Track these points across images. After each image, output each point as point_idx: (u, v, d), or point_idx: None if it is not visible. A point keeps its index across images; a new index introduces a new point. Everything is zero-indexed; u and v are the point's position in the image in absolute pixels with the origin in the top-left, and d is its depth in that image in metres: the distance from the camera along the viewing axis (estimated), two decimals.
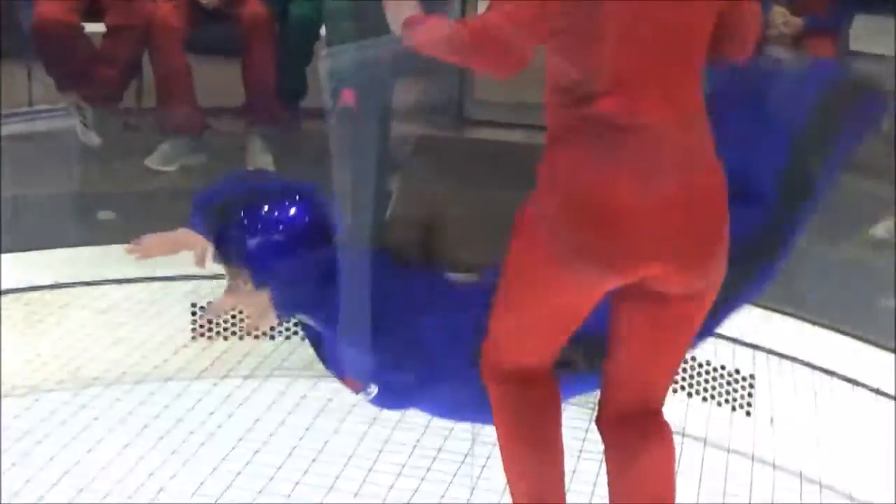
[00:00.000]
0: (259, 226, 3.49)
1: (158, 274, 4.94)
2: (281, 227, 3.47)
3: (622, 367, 3.14)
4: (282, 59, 5.62)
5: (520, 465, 3.28)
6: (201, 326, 5.04)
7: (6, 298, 4.79)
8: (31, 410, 4.60)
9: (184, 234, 3.61)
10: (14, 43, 5.78)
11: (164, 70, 5.69)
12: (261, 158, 5.69)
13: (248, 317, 3.63)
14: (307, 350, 4.82)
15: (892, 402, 4.16)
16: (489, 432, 4.42)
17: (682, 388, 4.65)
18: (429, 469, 4.34)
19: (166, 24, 5.58)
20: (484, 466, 4.21)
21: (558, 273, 2.99)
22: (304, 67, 5.46)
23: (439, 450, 4.47)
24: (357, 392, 3.35)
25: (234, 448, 4.39)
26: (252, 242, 3.45)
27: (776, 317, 4.41)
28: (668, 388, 3.23)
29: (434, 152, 5.49)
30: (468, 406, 3.36)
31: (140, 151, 5.66)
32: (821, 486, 4.19)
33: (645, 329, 3.07)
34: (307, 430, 4.58)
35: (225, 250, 3.46)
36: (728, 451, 4.42)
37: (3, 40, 5.76)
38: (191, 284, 4.95)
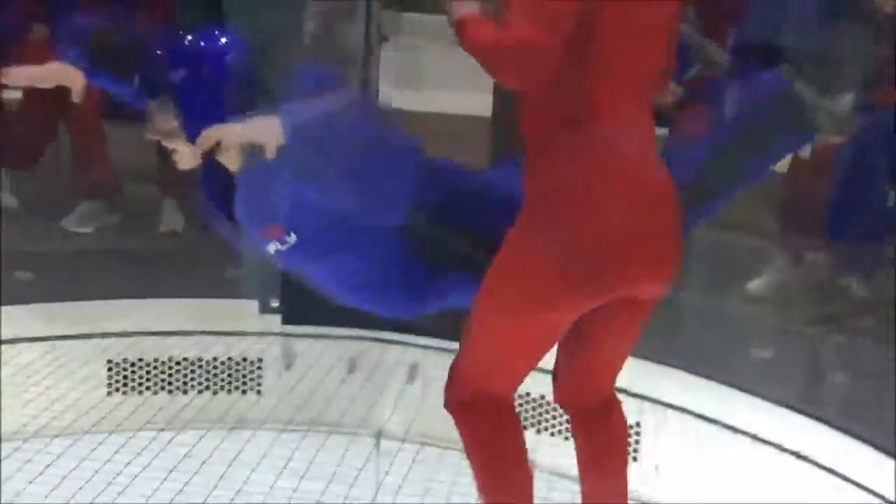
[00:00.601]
0: (182, 51, 3.26)
1: (74, 332, 4.91)
2: (204, 52, 3.26)
3: (588, 359, 3.22)
4: None
5: (499, 489, 3.28)
6: (117, 382, 4.94)
7: None
8: None
9: (58, 66, 3.41)
10: None
11: (81, 135, 5.72)
12: (174, 218, 5.77)
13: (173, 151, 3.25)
14: (220, 404, 5.01)
15: (769, 447, 4.21)
16: (392, 482, 4.57)
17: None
18: None
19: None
20: None
21: (558, 292, 2.98)
22: None
23: (345, 497, 4.48)
24: (272, 240, 3.13)
25: (149, 498, 4.37)
26: (175, 68, 3.21)
27: (660, 368, 4.44)
28: (620, 371, 3.33)
29: None
30: (371, 286, 3.22)
31: (57, 213, 5.74)
32: None
33: (616, 329, 3.15)
34: (220, 478, 4.56)
35: (149, 79, 3.20)
36: None
37: None
38: (106, 342, 4.92)
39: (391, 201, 3.12)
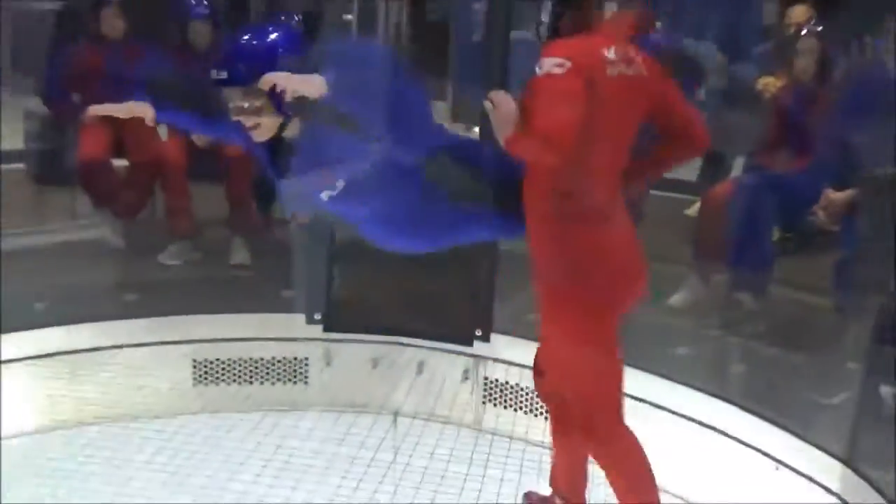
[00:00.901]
0: (251, 39, 3.45)
1: (168, 339, 5.16)
2: (266, 37, 3.44)
3: None
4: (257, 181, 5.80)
5: (650, 488, 3.50)
6: (200, 376, 5.16)
7: (53, 360, 4.96)
8: (77, 439, 4.89)
9: (132, 104, 3.61)
10: (62, 173, 6.14)
11: (171, 192, 5.97)
12: (241, 254, 5.95)
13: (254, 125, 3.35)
14: (277, 392, 5.29)
15: (686, 420, 4.53)
16: (406, 447, 4.95)
17: (532, 412, 4.97)
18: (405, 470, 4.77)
19: (172, 159, 5.86)
20: None
21: (606, 310, 3.34)
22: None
23: (371, 459, 4.82)
24: (325, 187, 3.17)
25: (224, 461, 4.75)
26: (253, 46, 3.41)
27: None
28: None
29: None
30: (400, 225, 3.27)
31: (154, 250, 5.95)
32: None
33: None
34: (278, 447, 4.93)
35: (235, 72, 3.34)
36: None
37: (56, 171, 6.21)
38: (191, 346, 5.20)
39: (418, 140, 3.23)
